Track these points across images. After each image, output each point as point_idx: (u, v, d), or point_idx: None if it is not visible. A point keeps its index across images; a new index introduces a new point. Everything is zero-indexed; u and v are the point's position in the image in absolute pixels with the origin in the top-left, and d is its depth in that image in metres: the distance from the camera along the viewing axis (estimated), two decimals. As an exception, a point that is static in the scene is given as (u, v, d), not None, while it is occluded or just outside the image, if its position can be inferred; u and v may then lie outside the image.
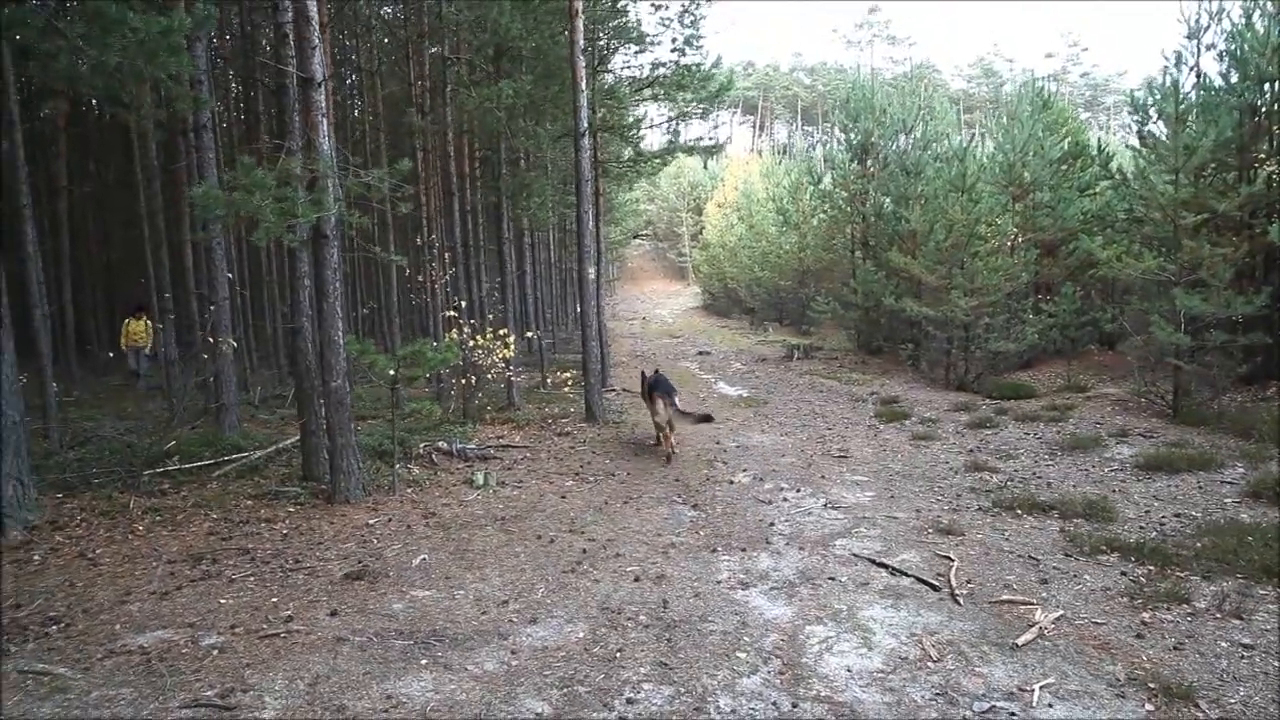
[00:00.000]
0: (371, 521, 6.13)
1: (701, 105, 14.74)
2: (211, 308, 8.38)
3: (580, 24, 9.86)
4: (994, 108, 57.07)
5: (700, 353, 21.34)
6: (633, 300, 45.43)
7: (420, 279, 11.58)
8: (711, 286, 38.51)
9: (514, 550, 5.65)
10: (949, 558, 5.41)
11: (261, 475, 7.57)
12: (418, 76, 12.50)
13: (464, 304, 9.37)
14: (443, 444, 8.23)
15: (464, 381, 9.55)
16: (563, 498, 7.02)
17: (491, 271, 15.38)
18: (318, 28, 6.32)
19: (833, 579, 5.12)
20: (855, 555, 5.58)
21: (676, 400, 8.81)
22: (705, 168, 52.84)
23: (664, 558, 5.57)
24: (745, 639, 4.23)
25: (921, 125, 19.75)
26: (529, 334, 12.28)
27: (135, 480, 7.05)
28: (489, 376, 9.87)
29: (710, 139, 23.51)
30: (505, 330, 10.38)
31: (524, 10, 10.09)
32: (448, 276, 11.16)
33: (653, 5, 12.87)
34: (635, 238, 51.65)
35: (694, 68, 13.31)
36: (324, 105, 6.29)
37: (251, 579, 5.07)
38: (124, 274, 18.94)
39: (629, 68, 14.57)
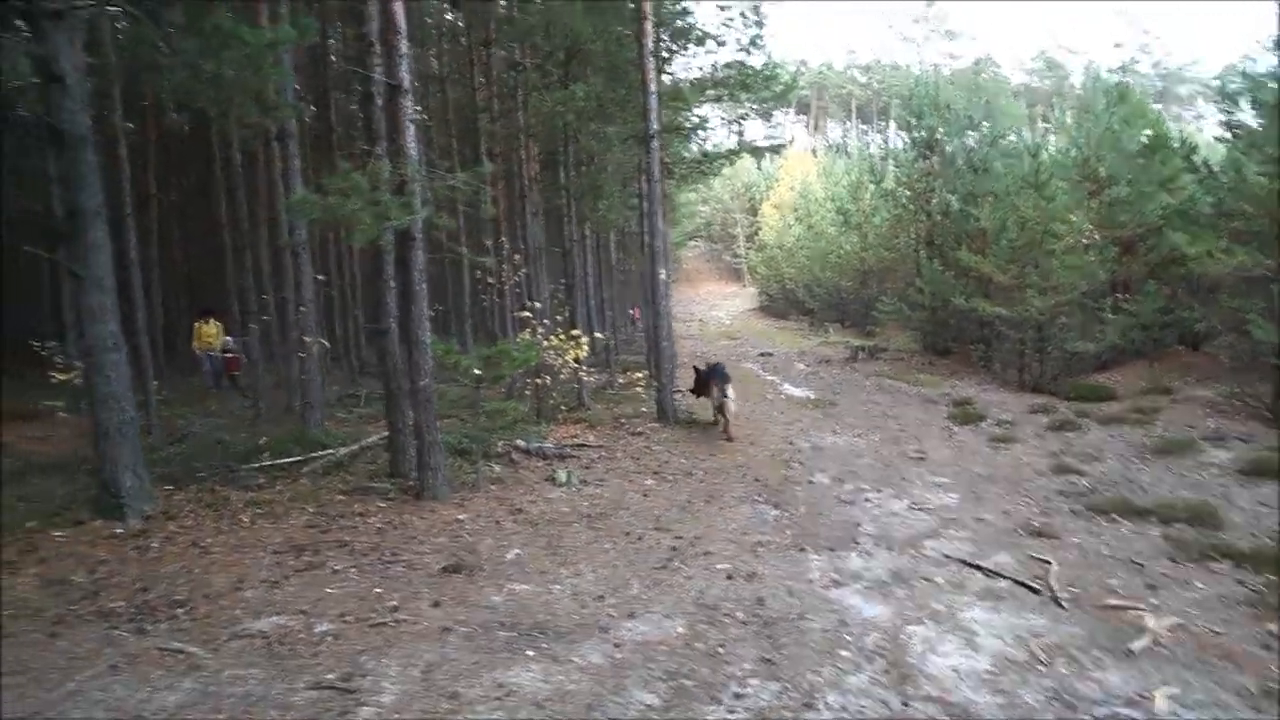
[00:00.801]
0: (461, 517, 6.28)
1: (765, 105, 14.67)
2: (301, 310, 8.70)
3: (650, 26, 9.93)
4: (1060, 101, 55.36)
5: (762, 354, 21.22)
6: (688, 302, 45.35)
7: (490, 281, 11.82)
8: (769, 288, 38.23)
9: (604, 547, 5.73)
10: (1046, 561, 5.29)
11: (348, 472, 7.82)
12: (484, 82, 12.75)
13: (538, 305, 9.52)
14: (520, 442, 8.38)
15: (538, 382, 9.71)
16: (645, 496, 7.08)
17: (554, 273, 15.58)
18: (405, 36, 6.50)
19: (927, 580, 5.05)
20: (947, 557, 5.50)
21: (729, 388, 9.67)
22: (759, 168, 52.48)
23: (753, 556, 5.58)
24: (846, 637, 4.21)
25: (989, 121, 19.30)
26: (596, 335, 12.41)
27: (234, 475, 7.36)
28: (561, 376, 10.00)
29: (773, 138, 23.45)
30: (577, 331, 10.51)
31: (593, 13, 10.21)
32: (518, 278, 11.37)
33: (719, 6, 12.90)
34: (690, 239, 51.62)
35: (758, 68, 13.28)
36: (410, 111, 6.47)
37: (353, 570, 5.24)
38: (202, 279, 19.79)
39: (690, 69, 14.61)
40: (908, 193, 20.40)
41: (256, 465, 7.65)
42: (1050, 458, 8.51)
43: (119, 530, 6.00)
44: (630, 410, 10.90)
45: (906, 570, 5.26)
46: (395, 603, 4.68)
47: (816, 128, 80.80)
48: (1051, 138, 19.91)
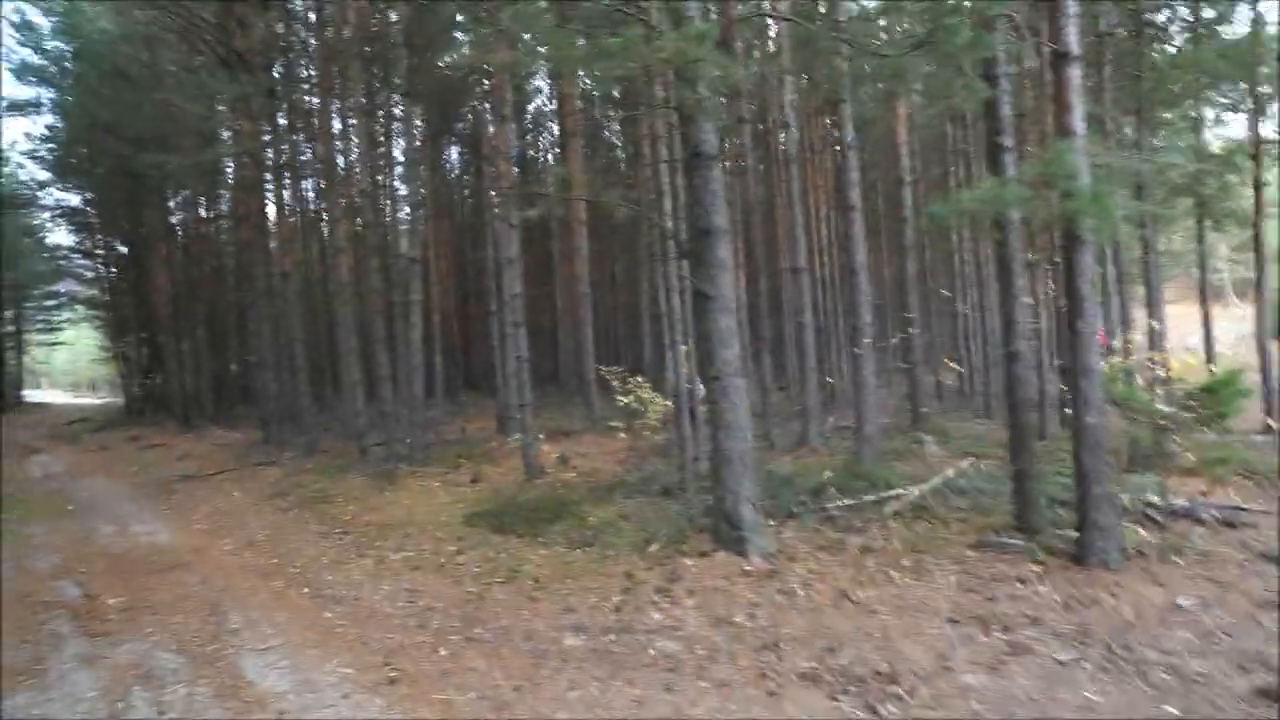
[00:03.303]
0: (1183, 603, 4.65)
1: None
2: (860, 325, 7.98)
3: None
4: None
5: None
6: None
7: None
8: (1293, 306, 29.44)
9: None
10: None
11: (934, 516, 6.71)
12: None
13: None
14: (1154, 499, 6.47)
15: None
16: None
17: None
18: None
19: None
20: None
21: None
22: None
23: None
24: None
25: None
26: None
27: (825, 512, 6.76)
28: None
29: None
30: (1159, 357, 8.21)
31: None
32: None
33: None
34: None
35: None
36: (1078, 83, 5.17)
37: (1087, 665, 3.96)
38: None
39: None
40: None
41: (839, 503, 6.97)
42: None
43: (747, 568, 5.62)
44: (1240, 458, 8.12)
45: None
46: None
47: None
48: None
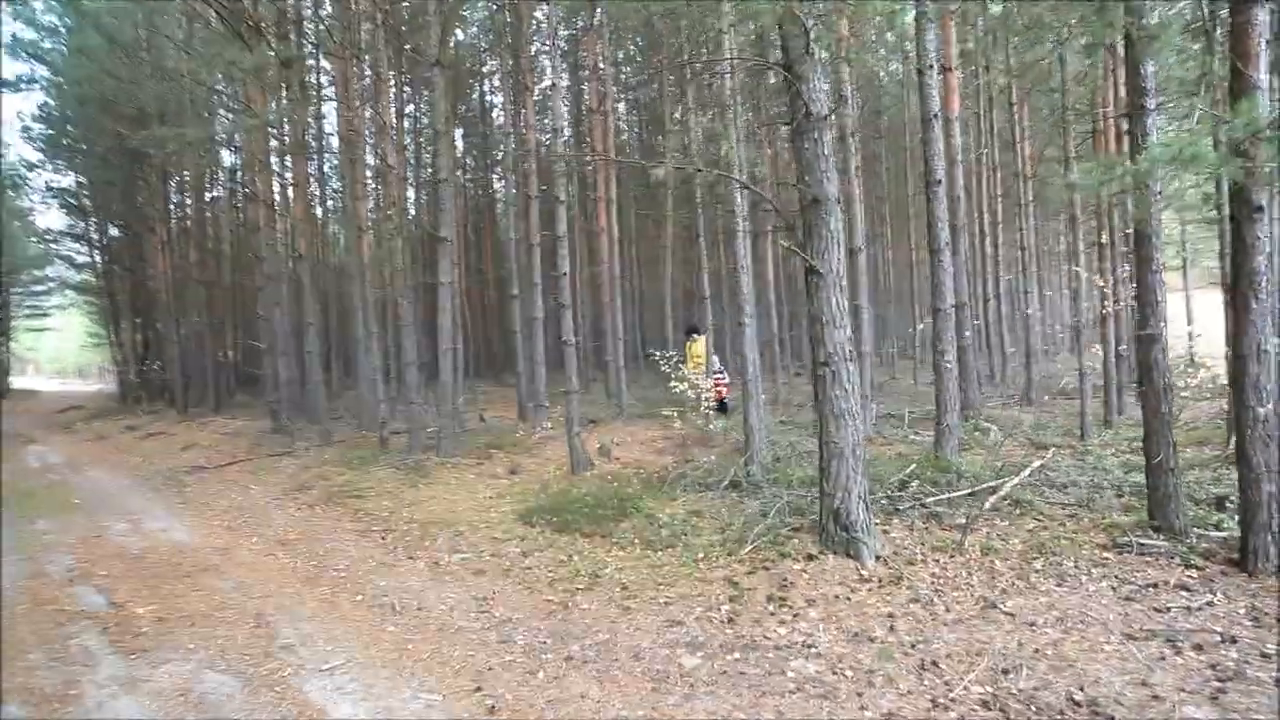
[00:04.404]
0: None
1: None
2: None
3: None
4: None
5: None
6: None
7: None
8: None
9: None
10: None
11: (1039, 513, 6.16)
12: None
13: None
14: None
15: None
16: None
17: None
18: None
19: None
20: None
21: None
22: None
23: None
24: None
25: None
26: None
27: (915, 508, 6.19)
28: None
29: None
30: None
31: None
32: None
33: None
34: None
35: None
36: (1265, 27, 4.58)
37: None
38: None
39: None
40: None
41: (935, 498, 6.40)
42: None
43: (864, 573, 5.04)
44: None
45: None
46: None
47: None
48: None
